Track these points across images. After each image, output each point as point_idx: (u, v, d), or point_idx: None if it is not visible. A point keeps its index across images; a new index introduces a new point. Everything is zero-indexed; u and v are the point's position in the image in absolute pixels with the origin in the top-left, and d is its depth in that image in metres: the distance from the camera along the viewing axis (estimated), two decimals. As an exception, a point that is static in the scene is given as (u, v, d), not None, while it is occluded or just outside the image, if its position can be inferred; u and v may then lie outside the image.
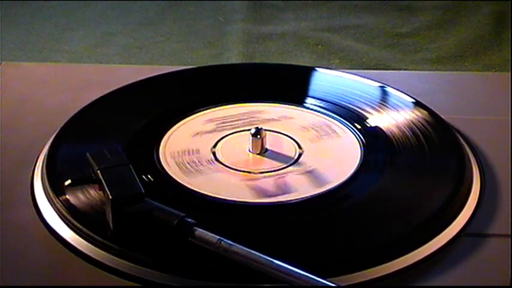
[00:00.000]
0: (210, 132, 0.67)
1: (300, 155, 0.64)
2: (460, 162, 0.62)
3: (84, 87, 0.76)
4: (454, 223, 0.57)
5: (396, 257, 0.53)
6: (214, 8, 1.30)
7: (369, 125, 0.68)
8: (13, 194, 0.61)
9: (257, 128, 0.64)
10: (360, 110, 0.70)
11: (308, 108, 0.70)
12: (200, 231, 0.52)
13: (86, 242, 0.55)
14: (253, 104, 0.71)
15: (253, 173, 0.62)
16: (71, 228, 0.56)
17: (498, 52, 1.15)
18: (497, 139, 0.68)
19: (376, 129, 0.67)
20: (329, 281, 0.49)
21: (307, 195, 0.59)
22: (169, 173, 0.62)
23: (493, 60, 1.13)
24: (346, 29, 1.23)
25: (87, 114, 0.70)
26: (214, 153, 0.64)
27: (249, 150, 0.65)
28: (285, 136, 0.67)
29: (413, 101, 0.71)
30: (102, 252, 0.54)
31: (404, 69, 1.08)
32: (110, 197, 0.53)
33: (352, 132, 0.67)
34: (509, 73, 0.81)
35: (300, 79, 0.77)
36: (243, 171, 0.62)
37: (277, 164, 0.63)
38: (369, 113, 0.69)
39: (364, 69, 1.08)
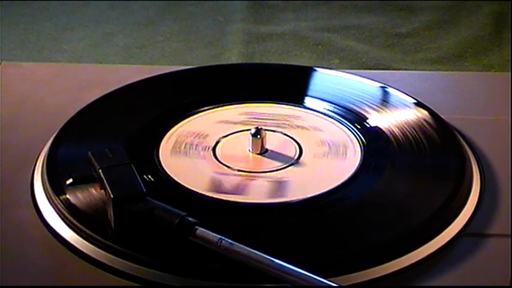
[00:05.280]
0: (210, 132, 0.67)
1: (300, 155, 0.64)
2: (460, 162, 0.62)
3: (84, 87, 0.76)
4: (454, 223, 0.57)
5: (396, 257, 0.54)
6: (214, 8, 1.30)
7: (369, 125, 0.68)
8: (13, 194, 0.61)
9: (257, 128, 0.64)
10: (360, 110, 0.70)
11: (308, 108, 0.70)
12: (201, 230, 0.52)
13: (86, 242, 0.55)
14: (253, 104, 0.71)
15: (252, 172, 0.62)
16: (71, 228, 0.56)
17: (498, 52, 1.15)
18: (497, 139, 0.68)
19: (376, 129, 0.67)
20: (329, 281, 0.49)
21: (307, 195, 0.59)
22: (169, 173, 0.62)
23: (493, 60, 1.13)
24: (346, 29, 1.23)
25: (87, 114, 0.70)
26: (214, 153, 0.64)
27: (249, 150, 0.65)
28: (285, 136, 0.67)
29: (414, 101, 0.71)
30: (102, 252, 0.54)
31: (404, 69, 1.08)
32: (112, 196, 0.53)
33: (352, 132, 0.67)
34: (509, 73, 0.81)
35: (300, 79, 0.77)
36: (242, 171, 0.62)
37: (277, 164, 0.63)
38: (369, 113, 0.69)
39: (364, 69, 1.08)
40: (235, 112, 0.70)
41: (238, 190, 0.60)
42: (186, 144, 0.65)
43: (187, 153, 0.64)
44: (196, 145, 0.65)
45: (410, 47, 1.17)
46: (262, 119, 0.69)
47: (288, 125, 0.68)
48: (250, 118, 0.69)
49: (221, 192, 0.59)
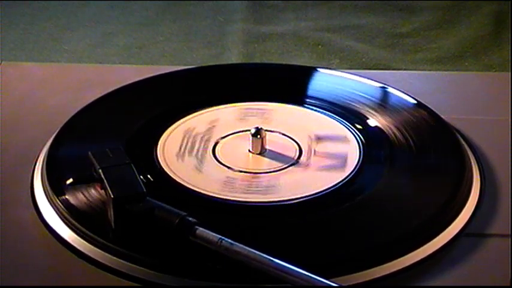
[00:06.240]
0: (210, 132, 0.67)
1: (300, 155, 0.64)
2: (460, 162, 0.62)
3: (84, 87, 0.76)
4: (454, 223, 0.57)
5: (396, 257, 0.54)
6: (214, 8, 1.30)
7: (368, 125, 0.68)
8: (13, 194, 0.61)
9: (257, 128, 0.64)
10: (360, 110, 0.70)
11: (308, 108, 0.70)
12: (201, 230, 0.52)
13: (86, 242, 0.55)
14: (253, 104, 0.71)
15: (252, 172, 0.62)
16: (71, 229, 0.56)
17: (498, 52, 1.14)
18: (497, 139, 0.68)
19: (376, 129, 0.67)
20: (330, 281, 0.49)
21: (307, 195, 0.59)
22: (169, 173, 0.62)
23: (493, 60, 1.12)
24: (346, 29, 1.22)
25: (87, 114, 0.70)
26: (214, 153, 0.64)
27: (249, 150, 0.65)
28: (285, 136, 0.67)
29: (414, 101, 0.71)
30: (102, 252, 0.54)
31: (404, 69, 1.08)
32: (112, 196, 0.53)
33: (352, 132, 0.67)
34: (509, 73, 0.81)
35: (300, 79, 0.77)
36: (242, 171, 0.62)
37: (277, 164, 0.63)
38: (369, 113, 0.69)
39: (364, 69, 1.08)
40: (242, 111, 0.70)
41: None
42: (188, 140, 0.65)
43: (187, 152, 0.64)
44: (199, 142, 0.65)
45: (410, 47, 1.17)
46: (268, 119, 0.69)
47: (288, 125, 0.68)
48: (257, 118, 0.69)
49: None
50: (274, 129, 0.67)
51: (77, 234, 0.56)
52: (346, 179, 0.61)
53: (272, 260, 0.50)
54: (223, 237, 0.51)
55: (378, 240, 0.55)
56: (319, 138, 0.66)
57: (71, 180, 0.56)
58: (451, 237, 0.56)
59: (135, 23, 1.26)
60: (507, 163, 0.64)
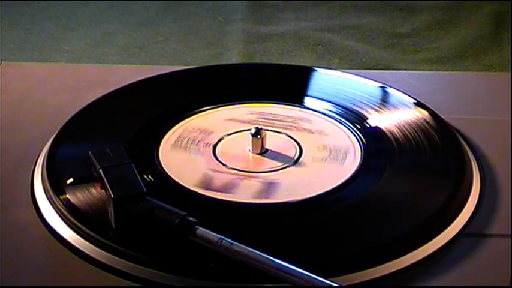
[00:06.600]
0: (210, 132, 0.67)
1: (300, 155, 0.64)
2: (460, 162, 0.62)
3: (84, 87, 0.76)
4: (454, 223, 0.57)
5: (396, 257, 0.54)
6: (214, 8, 1.30)
7: (369, 125, 0.68)
8: (13, 194, 0.61)
9: (257, 128, 0.64)
10: (360, 110, 0.70)
11: (307, 108, 0.70)
12: (201, 230, 0.52)
13: (86, 242, 0.55)
14: (253, 104, 0.71)
15: (252, 172, 0.62)
16: (71, 228, 0.56)
17: (498, 52, 1.15)
18: (497, 139, 0.68)
19: (376, 129, 0.67)
20: (329, 281, 0.49)
21: (307, 195, 0.59)
22: (169, 173, 0.62)
23: (493, 60, 1.13)
24: (346, 29, 1.23)
25: (87, 114, 0.70)
26: (214, 153, 0.64)
27: (249, 150, 0.65)
28: (284, 136, 0.67)
29: (414, 101, 0.71)
30: (102, 252, 0.54)
31: (404, 69, 1.08)
32: (112, 195, 0.53)
33: (352, 132, 0.67)
34: (509, 73, 0.81)
35: (300, 79, 0.77)
36: (241, 171, 0.62)
37: (276, 164, 0.63)
38: (369, 113, 0.69)
39: (364, 69, 1.08)
40: (242, 111, 0.70)
41: (226, 188, 0.60)
42: (188, 140, 0.65)
43: (187, 148, 0.64)
44: (199, 141, 0.65)
45: (410, 47, 1.17)
46: (268, 119, 0.69)
47: (288, 124, 0.68)
48: (257, 118, 0.69)
49: (210, 190, 0.59)
50: (274, 129, 0.67)
51: (77, 234, 0.56)
52: (347, 179, 0.61)
53: (272, 260, 0.50)
54: (223, 237, 0.51)
55: (378, 240, 0.55)
56: (318, 138, 0.66)
57: (71, 180, 0.56)
58: (451, 237, 0.56)
59: (135, 23, 1.26)
60: (507, 163, 0.65)
